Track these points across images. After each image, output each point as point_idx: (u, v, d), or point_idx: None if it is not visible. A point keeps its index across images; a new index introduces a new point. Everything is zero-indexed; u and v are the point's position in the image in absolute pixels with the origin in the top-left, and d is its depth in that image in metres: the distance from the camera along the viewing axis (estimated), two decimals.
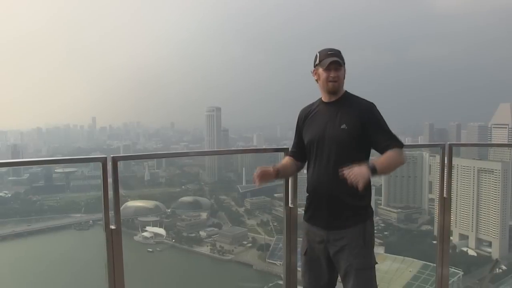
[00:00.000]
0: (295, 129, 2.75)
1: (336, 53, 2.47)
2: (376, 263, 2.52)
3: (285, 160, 2.81)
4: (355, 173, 2.20)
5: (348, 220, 2.43)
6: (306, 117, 2.64)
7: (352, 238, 2.41)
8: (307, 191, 2.62)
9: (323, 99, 2.58)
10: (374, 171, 2.24)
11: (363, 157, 2.45)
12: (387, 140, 2.39)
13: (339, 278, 2.62)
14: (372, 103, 2.49)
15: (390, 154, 2.35)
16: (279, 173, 2.62)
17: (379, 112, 2.47)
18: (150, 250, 29.55)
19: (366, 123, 2.41)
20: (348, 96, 2.54)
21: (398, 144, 2.39)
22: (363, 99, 2.52)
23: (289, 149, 2.87)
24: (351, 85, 2.59)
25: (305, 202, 2.70)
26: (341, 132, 2.41)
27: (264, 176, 2.54)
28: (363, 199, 2.50)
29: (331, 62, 2.42)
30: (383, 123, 2.44)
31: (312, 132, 2.55)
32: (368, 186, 2.53)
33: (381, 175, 2.35)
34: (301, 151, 2.70)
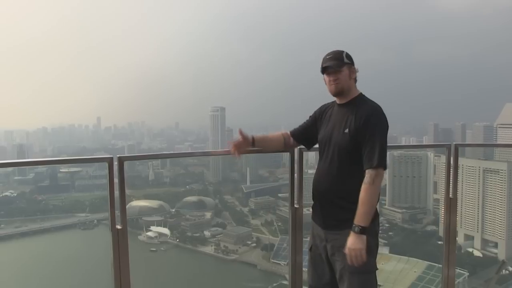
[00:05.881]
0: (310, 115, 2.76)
1: (334, 56, 2.45)
2: (377, 269, 2.44)
3: (274, 133, 2.87)
4: (355, 255, 2.26)
5: (345, 221, 2.36)
6: (324, 113, 2.65)
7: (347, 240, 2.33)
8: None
9: (336, 100, 2.59)
10: (364, 231, 2.28)
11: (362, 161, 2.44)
12: (367, 160, 2.32)
13: None
14: (377, 108, 2.42)
15: (364, 197, 2.29)
16: (254, 141, 2.74)
17: (379, 120, 2.38)
18: (154, 249, 29.61)
19: (360, 132, 2.37)
20: (359, 99, 2.50)
21: (373, 166, 2.30)
22: (371, 104, 2.46)
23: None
24: (358, 86, 2.57)
25: (310, 202, 2.72)
26: (344, 136, 2.42)
27: (240, 146, 2.71)
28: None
29: (324, 68, 2.47)
30: (374, 137, 2.33)
31: (322, 133, 2.60)
32: None
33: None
34: (303, 132, 2.75)
